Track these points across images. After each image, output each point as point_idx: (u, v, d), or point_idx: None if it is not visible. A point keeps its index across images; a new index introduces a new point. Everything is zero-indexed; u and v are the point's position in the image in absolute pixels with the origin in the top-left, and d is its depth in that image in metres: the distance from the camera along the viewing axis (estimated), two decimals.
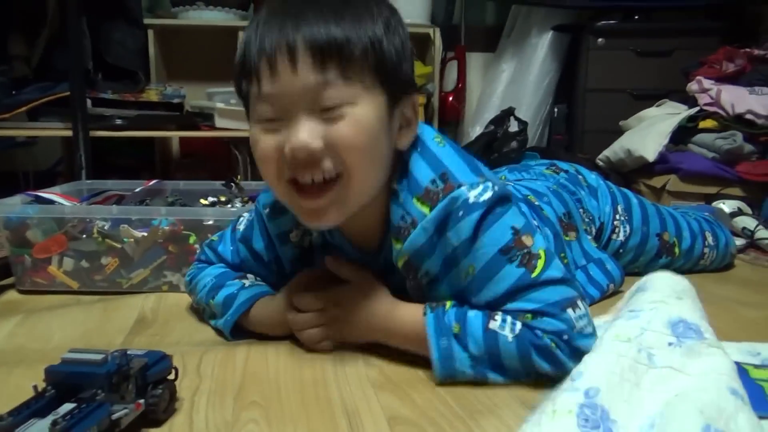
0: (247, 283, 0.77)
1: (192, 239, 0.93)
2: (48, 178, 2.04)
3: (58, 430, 0.43)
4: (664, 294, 0.59)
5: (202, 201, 1.16)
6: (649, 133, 1.70)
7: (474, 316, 0.61)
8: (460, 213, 0.61)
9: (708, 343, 0.52)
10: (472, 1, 2.46)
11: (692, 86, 1.73)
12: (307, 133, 0.57)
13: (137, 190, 1.15)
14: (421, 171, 0.64)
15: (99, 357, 0.50)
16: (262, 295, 0.74)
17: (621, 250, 0.99)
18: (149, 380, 0.52)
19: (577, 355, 0.56)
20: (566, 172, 1.02)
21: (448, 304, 0.64)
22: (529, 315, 0.59)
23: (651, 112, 1.85)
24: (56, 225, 0.93)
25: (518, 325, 0.59)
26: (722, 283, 1.04)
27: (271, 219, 0.75)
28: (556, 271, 0.61)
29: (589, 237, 0.94)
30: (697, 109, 1.69)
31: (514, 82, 2.32)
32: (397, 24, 0.62)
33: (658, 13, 2.13)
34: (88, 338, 0.76)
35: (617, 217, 0.99)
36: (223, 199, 1.16)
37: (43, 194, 1.03)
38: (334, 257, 0.71)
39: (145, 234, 0.93)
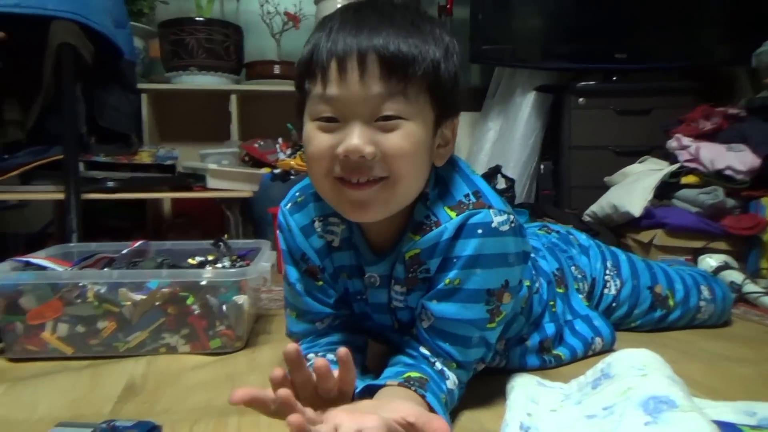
0: None
1: (190, 300, 0.94)
2: (38, 239, 2.03)
3: None
4: (628, 378, 0.60)
5: (191, 261, 1.15)
6: (634, 188, 1.74)
7: (438, 378, 0.66)
8: (478, 230, 0.65)
9: (681, 409, 0.52)
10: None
11: (672, 143, 1.78)
12: (362, 138, 0.60)
13: (124, 251, 1.15)
14: (458, 187, 0.69)
15: (86, 431, 0.49)
16: None
17: (614, 304, 1.02)
18: None
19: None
20: (558, 232, 1.07)
21: (423, 378, 0.64)
22: (455, 364, 0.68)
23: (634, 168, 1.90)
24: (51, 290, 0.92)
25: (455, 377, 0.68)
26: (714, 339, 1.04)
27: (294, 213, 0.76)
28: (495, 335, 0.71)
29: (581, 295, 0.96)
30: (678, 165, 1.74)
31: (501, 139, 2.38)
32: (454, 51, 0.66)
33: (635, 74, 2.21)
34: (75, 407, 0.74)
35: (607, 272, 1.03)
36: (211, 258, 1.15)
37: (33, 259, 1.02)
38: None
39: (144, 297, 0.93)
